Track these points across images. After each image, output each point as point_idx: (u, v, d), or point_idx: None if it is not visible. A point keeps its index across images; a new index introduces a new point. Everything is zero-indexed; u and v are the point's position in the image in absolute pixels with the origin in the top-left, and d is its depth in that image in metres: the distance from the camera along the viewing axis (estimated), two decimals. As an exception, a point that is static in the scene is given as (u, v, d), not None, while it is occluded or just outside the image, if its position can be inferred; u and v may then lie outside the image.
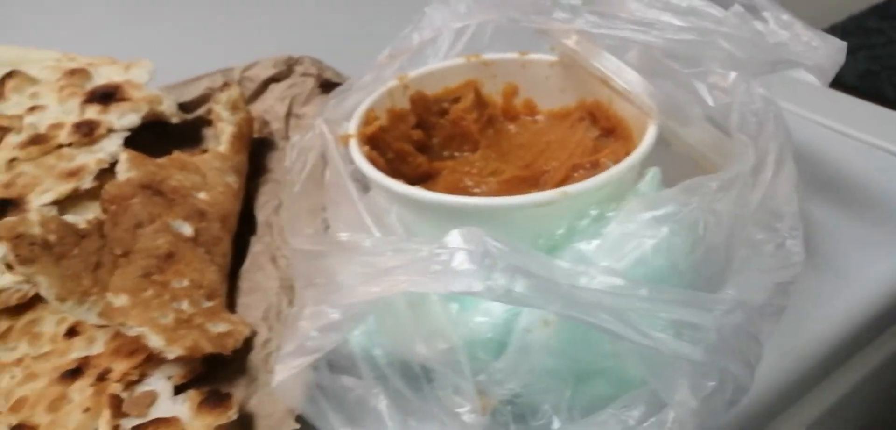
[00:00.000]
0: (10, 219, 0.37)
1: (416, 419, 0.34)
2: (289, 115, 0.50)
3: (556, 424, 0.34)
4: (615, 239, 0.33)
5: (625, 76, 0.39)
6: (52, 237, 0.37)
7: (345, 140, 0.40)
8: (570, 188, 0.35)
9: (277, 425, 0.34)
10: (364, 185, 0.39)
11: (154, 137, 0.52)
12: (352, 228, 0.36)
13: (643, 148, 0.36)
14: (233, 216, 0.44)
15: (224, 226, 0.43)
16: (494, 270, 0.27)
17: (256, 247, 0.44)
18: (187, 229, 0.41)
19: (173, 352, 0.34)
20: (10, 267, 0.36)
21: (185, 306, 0.37)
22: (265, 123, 0.51)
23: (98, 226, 0.39)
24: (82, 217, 0.46)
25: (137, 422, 0.34)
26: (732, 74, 0.37)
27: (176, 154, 0.45)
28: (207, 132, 0.54)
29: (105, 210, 0.40)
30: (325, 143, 0.39)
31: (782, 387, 0.38)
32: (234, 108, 0.48)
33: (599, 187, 0.35)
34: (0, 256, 0.35)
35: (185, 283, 0.39)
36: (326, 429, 0.34)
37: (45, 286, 0.35)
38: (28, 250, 0.35)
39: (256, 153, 0.50)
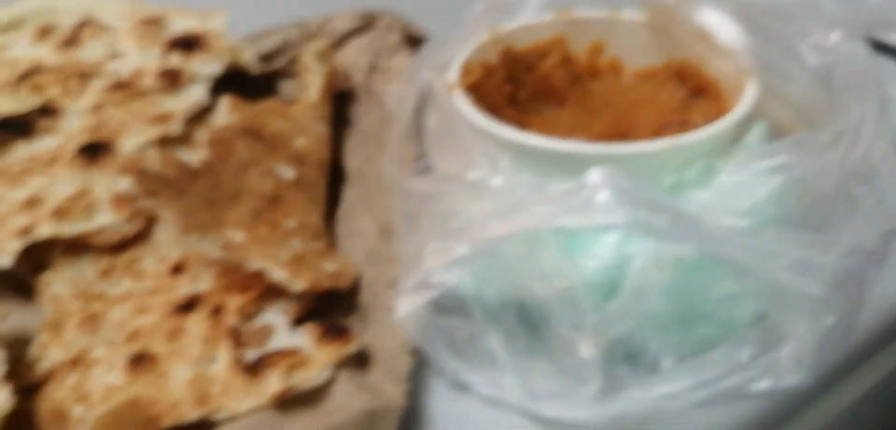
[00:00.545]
0: (131, 155, 0.38)
1: (528, 356, 0.35)
2: (372, 68, 0.51)
3: (665, 363, 0.35)
4: (728, 188, 0.35)
5: (725, 31, 0.40)
6: (170, 173, 0.37)
7: (449, 89, 0.40)
8: (680, 138, 0.36)
9: (393, 359, 0.35)
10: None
11: (228, 88, 0.52)
12: (447, 175, 0.37)
13: (749, 101, 0.38)
14: (327, 164, 0.45)
15: (321, 172, 0.44)
16: (636, 206, 0.28)
17: (350, 194, 0.45)
18: (289, 173, 0.42)
19: (297, 286, 0.35)
20: (133, 199, 0.37)
21: (296, 244, 0.38)
22: (346, 77, 0.51)
23: (208, 167, 0.40)
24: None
25: (259, 353, 0.35)
26: (834, 33, 0.38)
27: (272, 101, 0.46)
28: (283, 85, 0.55)
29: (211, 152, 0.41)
30: (432, 91, 0.40)
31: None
32: (321, 59, 0.49)
33: (711, 139, 0.36)
34: (125, 189, 0.36)
35: (294, 223, 0.40)
36: (440, 365, 0.36)
37: (170, 219, 0.36)
38: (152, 184, 0.36)
39: (338, 105, 0.51)
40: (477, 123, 0.38)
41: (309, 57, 0.49)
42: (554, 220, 0.29)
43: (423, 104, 0.43)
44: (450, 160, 0.39)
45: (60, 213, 0.43)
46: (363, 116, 0.50)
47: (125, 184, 0.36)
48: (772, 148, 0.35)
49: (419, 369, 0.36)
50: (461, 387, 0.36)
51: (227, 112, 0.43)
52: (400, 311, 0.34)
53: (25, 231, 0.42)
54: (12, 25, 0.60)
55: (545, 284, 0.33)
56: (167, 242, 0.42)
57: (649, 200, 0.29)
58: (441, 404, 0.36)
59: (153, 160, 0.37)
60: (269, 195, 0.40)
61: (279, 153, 0.43)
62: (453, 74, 0.42)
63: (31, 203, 0.44)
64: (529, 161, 0.38)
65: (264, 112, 0.45)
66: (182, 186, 0.37)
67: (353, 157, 0.47)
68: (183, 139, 0.48)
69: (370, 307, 0.38)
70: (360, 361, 0.35)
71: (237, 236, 0.37)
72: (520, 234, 0.32)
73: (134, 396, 0.33)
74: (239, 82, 0.53)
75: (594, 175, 0.29)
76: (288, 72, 0.54)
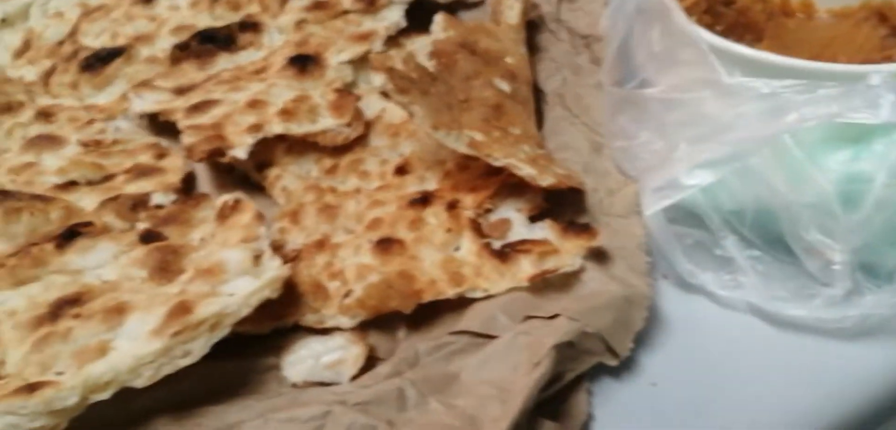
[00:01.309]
0: (380, 53, 0.40)
1: (764, 260, 0.37)
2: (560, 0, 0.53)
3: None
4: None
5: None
6: (414, 74, 0.40)
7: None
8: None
9: (632, 256, 0.37)
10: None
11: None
12: (695, 83, 0.39)
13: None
14: (531, 83, 0.47)
15: (529, 89, 0.46)
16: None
17: (553, 113, 0.47)
18: (506, 87, 0.44)
19: (545, 181, 0.37)
20: (385, 95, 0.39)
21: (527, 149, 0.40)
22: (534, 6, 0.53)
23: (439, 74, 0.42)
24: (371, 82, 0.49)
25: (501, 243, 0.38)
26: None
27: (479, 21, 0.48)
28: (461, 14, 0.57)
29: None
30: (652, 13, 0.41)
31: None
32: (518, -14, 0.51)
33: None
34: (378, 84, 0.38)
35: (519, 131, 0.42)
36: (674, 265, 0.37)
37: (421, 115, 0.38)
38: (402, 82, 0.38)
39: (528, 32, 0.53)
40: (711, 41, 0.39)
41: (506, -16, 0.51)
42: (837, 116, 0.31)
43: (631, 29, 0.44)
44: (669, 79, 0.41)
45: (287, 113, 0.45)
46: (553, 44, 0.52)
47: (379, 80, 0.38)
48: None
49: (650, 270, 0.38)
50: (690, 288, 0.37)
51: (442, 28, 0.45)
52: (646, 210, 0.36)
53: (256, 128, 0.45)
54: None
55: (794, 190, 0.34)
56: (386, 145, 0.45)
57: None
58: (671, 304, 0.37)
59: (397, 61, 0.39)
60: (492, 104, 0.42)
61: (494, 68, 0.45)
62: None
63: (255, 105, 0.46)
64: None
65: (474, 30, 0.47)
66: (425, 88, 0.40)
67: (550, 80, 0.49)
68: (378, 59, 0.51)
69: (597, 211, 0.40)
70: (600, 257, 0.37)
71: (477, 135, 0.39)
72: (770, 141, 0.34)
73: (399, 269, 0.36)
74: (423, 9, 0.55)
75: (875, 77, 0.31)
76: (471, 2, 0.56)
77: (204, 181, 0.47)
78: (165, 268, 0.37)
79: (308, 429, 0.30)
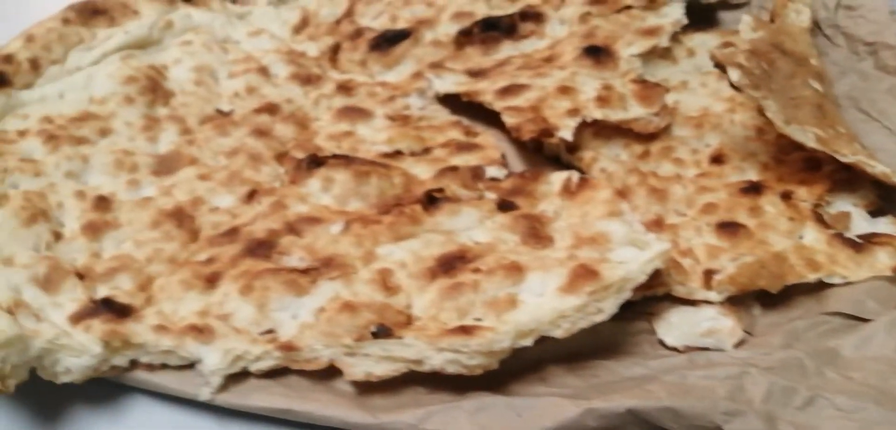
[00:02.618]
0: (723, 49, 0.43)
1: None
2: (838, 5, 0.54)
3: None
4: None
5: None
6: (757, 71, 0.42)
7: None
8: None
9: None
10: None
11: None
12: None
13: None
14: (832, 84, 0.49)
15: (833, 90, 0.48)
16: None
17: (848, 115, 0.48)
18: (819, 87, 0.46)
19: (897, 179, 0.40)
20: (736, 88, 0.41)
21: (857, 147, 0.43)
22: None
23: (768, 70, 0.44)
24: (656, 75, 0.52)
25: (849, 234, 0.40)
26: None
27: (778, 23, 0.50)
28: (725, 16, 0.59)
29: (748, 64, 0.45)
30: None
31: None
32: (803, -4, 0.53)
33: None
34: (734, 79, 0.41)
35: (844, 130, 0.44)
36: None
37: (774, 109, 0.40)
38: (754, 78, 0.41)
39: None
40: None
41: (793, -9, 0.53)
42: None
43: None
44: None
45: (601, 100, 0.48)
46: (830, 49, 0.53)
47: (734, 75, 0.41)
48: None
49: None
50: None
51: (752, 28, 0.48)
52: None
53: (574, 112, 0.48)
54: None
55: None
56: (692, 136, 0.48)
57: None
58: None
59: (739, 56, 0.42)
60: (814, 103, 0.45)
61: (806, 69, 0.47)
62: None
63: (565, 91, 0.50)
64: None
65: (778, 32, 0.49)
66: (769, 85, 0.42)
67: (839, 83, 0.51)
68: (665, 53, 0.54)
69: (924, 210, 0.42)
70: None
71: (819, 132, 0.41)
72: None
73: (771, 252, 0.38)
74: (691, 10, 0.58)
75: None
76: (734, 4, 0.59)
77: (511, 158, 0.50)
78: (535, 234, 0.40)
79: (727, 386, 0.33)
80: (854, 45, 0.53)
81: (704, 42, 0.55)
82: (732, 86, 0.41)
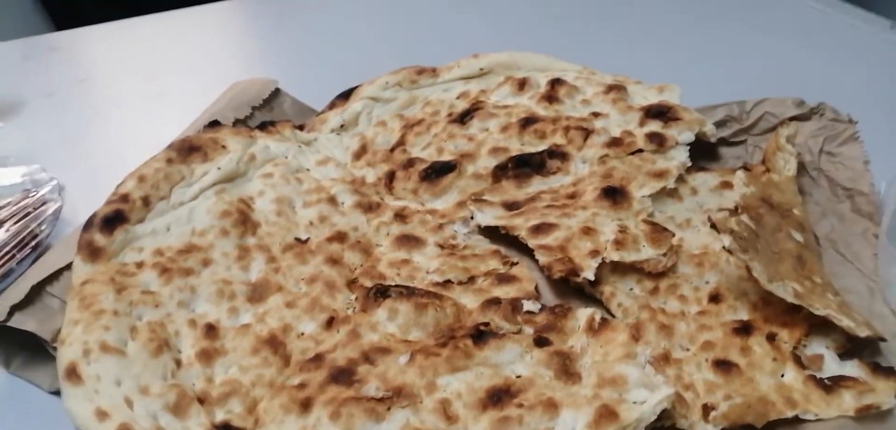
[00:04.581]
0: (721, 215, 0.52)
1: None
2: (821, 151, 0.64)
3: None
4: None
5: None
6: (745, 234, 0.52)
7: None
8: None
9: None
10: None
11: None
12: None
13: None
14: (812, 230, 0.58)
15: (814, 237, 0.57)
16: None
17: (827, 256, 0.58)
18: (800, 237, 0.56)
19: (862, 332, 0.49)
20: (729, 251, 0.51)
21: (830, 297, 0.52)
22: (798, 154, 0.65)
23: (756, 230, 0.54)
24: (664, 212, 0.62)
25: (821, 375, 0.49)
26: None
27: (766, 176, 0.60)
28: (724, 151, 0.69)
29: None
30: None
31: None
32: (792, 140, 0.62)
33: None
34: (725, 244, 0.50)
35: (820, 280, 0.53)
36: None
37: (758, 270, 0.50)
38: (743, 242, 0.50)
39: (790, 179, 0.64)
40: None
41: (783, 138, 0.62)
42: None
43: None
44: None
45: (618, 244, 0.58)
46: (814, 189, 0.63)
47: (726, 241, 0.50)
48: None
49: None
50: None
51: (744, 183, 0.57)
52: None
53: (595, 252, 0.58)
54: (484, 73, 0.77)
55: None
56: (694, 273, 0.57)
57: None
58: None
59: (730, 222, 0.51)
60: (795, 255, 0.54)
61: (789, 220, 0.56)
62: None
63: (588, 232, 0.59)
64: None
65: (767, 185, 0.58)
66: (755, 244, 0.51)
67: (819, 224, 0.60)
68: (672, 191, 0.63)
69: (887, 352, 0.51)
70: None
71: (797, 286, 0.50)
72: None
73: (760, 395, 0.48)
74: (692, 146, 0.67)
75: None
76: (731, 141, 0.68)
77: (542, 285, 0.60)
78: (566, 371, 0.50)
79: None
80: (834, 188, 0.62)
81: (705, 182, 0.65)
82: (725, 248, 0.51)
